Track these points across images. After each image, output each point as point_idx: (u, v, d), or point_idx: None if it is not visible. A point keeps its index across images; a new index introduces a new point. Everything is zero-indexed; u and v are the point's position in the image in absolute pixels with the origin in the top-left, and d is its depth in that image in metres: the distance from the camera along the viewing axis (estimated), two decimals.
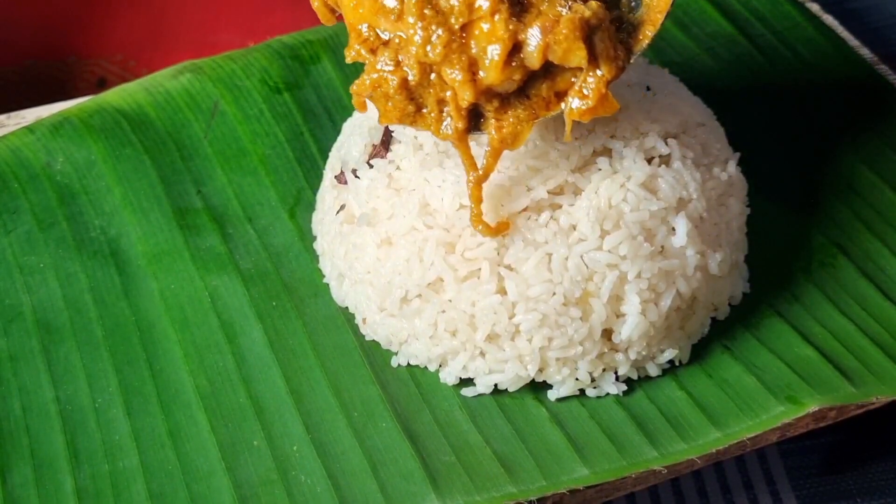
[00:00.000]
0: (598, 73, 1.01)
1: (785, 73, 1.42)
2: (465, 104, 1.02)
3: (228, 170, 1.34)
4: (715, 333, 1.18)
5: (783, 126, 1.36)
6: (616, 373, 1.13)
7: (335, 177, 1.21)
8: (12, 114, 1.42)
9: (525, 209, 1.09)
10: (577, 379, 1.12)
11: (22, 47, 1.73)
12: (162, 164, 1.34)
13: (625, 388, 1.13)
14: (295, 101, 1.40)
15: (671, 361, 1.15)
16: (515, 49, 1.00)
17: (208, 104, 1.40)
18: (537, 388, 1.13)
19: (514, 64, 1.00)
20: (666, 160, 1.14)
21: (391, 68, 1.02)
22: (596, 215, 1.08)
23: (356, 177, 1.17)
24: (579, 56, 1.00)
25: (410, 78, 1.02)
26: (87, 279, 1.23)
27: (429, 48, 1.00)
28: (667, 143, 1.13)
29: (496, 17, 0.99)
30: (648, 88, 1.18)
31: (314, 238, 1.27)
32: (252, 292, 1.22)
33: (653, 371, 1.14)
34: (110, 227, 1.28)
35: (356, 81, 1.05)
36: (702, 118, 1.20)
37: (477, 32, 0.99)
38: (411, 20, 1.00)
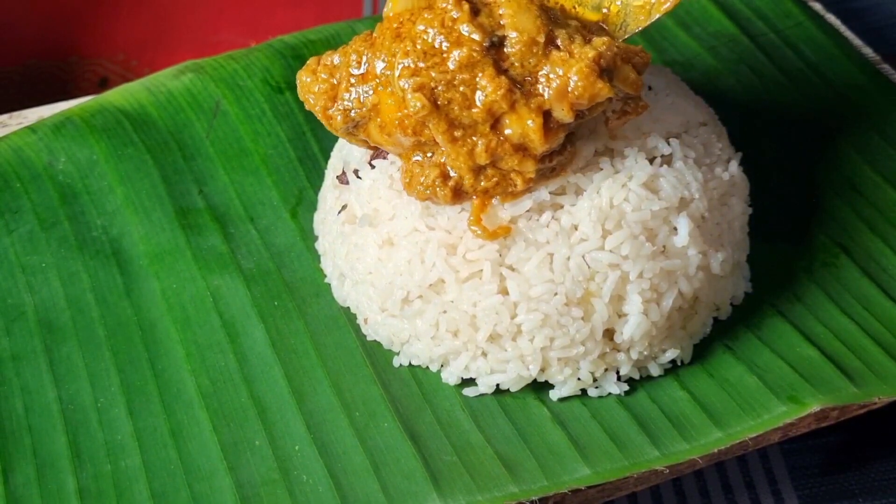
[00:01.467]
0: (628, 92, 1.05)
1: (787, 72, 1.42)
2: (532, 175, 1.05)
3: (230, 169, 1.34)
4: (717, 333, 1.17)
5: (785, 125, 1.36)
6: (618, 373, 1.13)
7: (337, 177, 1.21)
8: (14, 113, 1.42)
9: (527, 210, 1.09)
10: (578, 379, 1.12)
11: (24, 47, 1.74)
12: (164, 164, 1.34)
13: (626, 387, 1.13)
14: (297, 101, 1.40)
15: (673, 361, 1.15)
16: (547, 115, 1.03)
17: (210, 104, 1.40)
18: (539, 388, 1.13)
19: (552, 127, 1.03)
20: (668, 160, 1.13)
21: (441, 187, 1.06)
22: (598, 215, 1.08)
23: (358, 177, 1.17)
24: (604, 93, 1.02)
25: (466, 182, 1.06)
26: (89, 279, 1.23)
27: (475, 157, 1.04)
28: (668, 143, 1.13)
29: (515, 105, 1.02)
30: (650, 88, 1.18)
31: (316, 238, 1.27)
32: (254, 292, 1.22)
33: (654, 371, 1.14)
34: (112, 226, 1.28)
35: (406, 185, 1.08)
36: (704, 118, 1.20)
37: (507, 121, 1.02)
38: (449, 150, 1.04)
